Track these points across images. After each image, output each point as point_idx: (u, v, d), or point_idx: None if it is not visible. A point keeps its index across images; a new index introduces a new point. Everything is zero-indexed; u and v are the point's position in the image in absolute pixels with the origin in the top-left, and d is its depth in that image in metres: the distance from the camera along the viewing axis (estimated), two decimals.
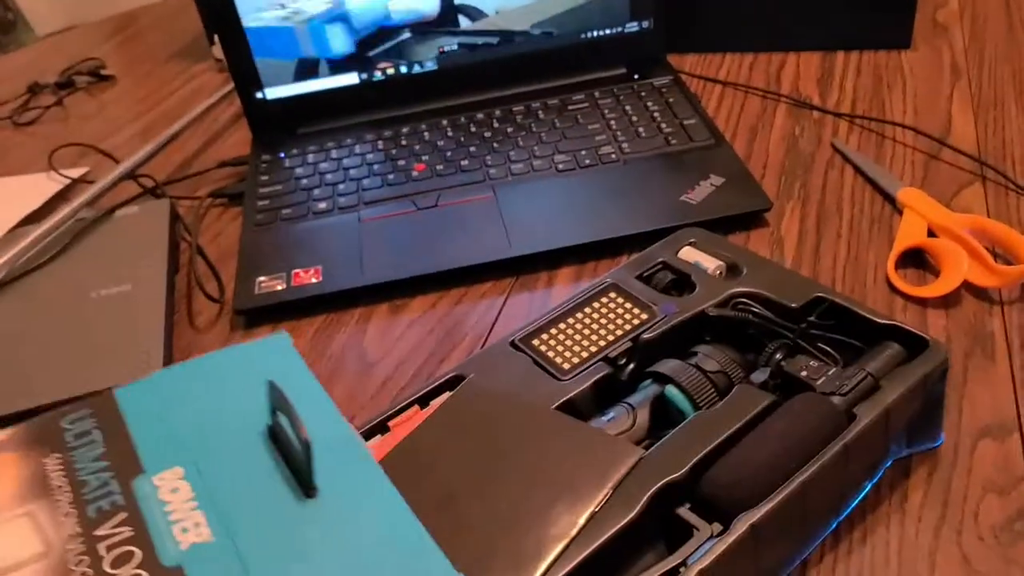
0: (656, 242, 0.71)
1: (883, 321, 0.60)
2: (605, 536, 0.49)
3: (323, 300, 0.80)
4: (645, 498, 0.50)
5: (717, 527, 0.50)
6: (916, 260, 0.76)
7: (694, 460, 0.52)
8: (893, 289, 0.73)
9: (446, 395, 0.60)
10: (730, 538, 0.48)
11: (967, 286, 0.72)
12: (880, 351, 0.59)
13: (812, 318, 0.62)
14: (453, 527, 0.50)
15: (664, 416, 0.58)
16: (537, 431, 0.55)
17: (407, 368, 0.73)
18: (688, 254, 0.69)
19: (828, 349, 0.61)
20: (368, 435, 0.57)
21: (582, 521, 0.50)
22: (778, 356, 0.60)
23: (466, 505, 0.51)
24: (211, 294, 0.82)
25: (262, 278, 0.81)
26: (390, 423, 0.58)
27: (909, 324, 0.59)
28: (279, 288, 0.80)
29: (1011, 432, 0.60)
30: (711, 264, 0.67)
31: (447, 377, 0.61)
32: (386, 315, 0.79)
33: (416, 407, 0.59)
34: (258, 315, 0.80)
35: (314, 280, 0.80)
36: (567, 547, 0.49)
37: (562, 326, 0.63)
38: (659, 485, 0.51)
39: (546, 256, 0.81)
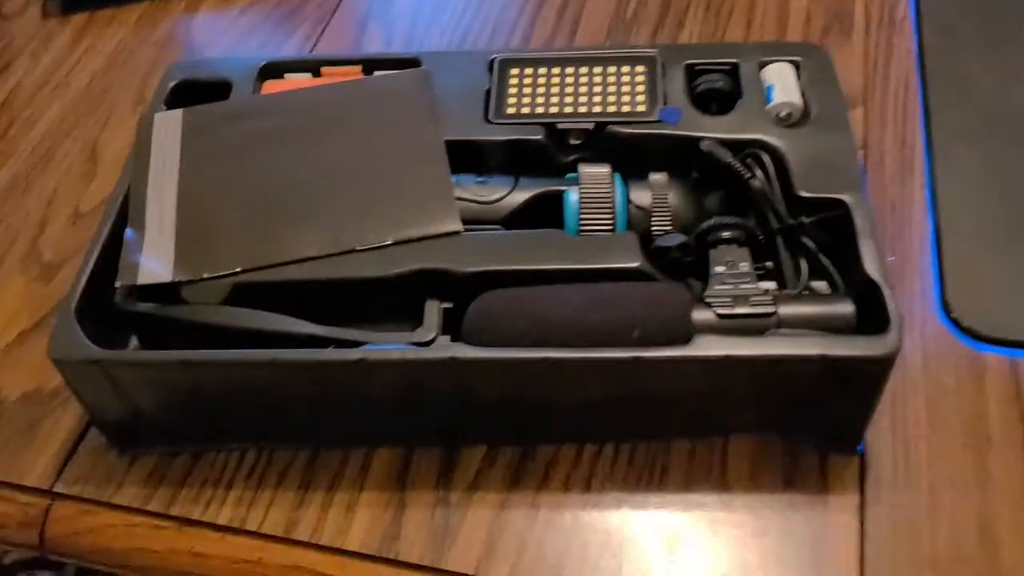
0: None
1: (869, 272, 0.42)
2: (341, 276, 0.44)
3: None
4: (409, 269, 0.44)
5: (444, 339, 0.43)
6: None
7: (481, 269, 0.43)
8: None
9: (391, 72, 0.54)
10: (428, 355, 0.41)
11: None
12: (827, 300, 0.42)
13: (808, 219, 0.45)
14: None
15: (544, 214, 0.47)
16: (409, 150, 0.49)
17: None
18: (775, 74, 0.51)
19: (790, 261, 0.45)
20: (293, 68, 0.54)
21: (331, 249, 0.44)
22: (723, 234, 0.45)
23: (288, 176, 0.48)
24: None
25: None
26: (324, 68, 0.54)
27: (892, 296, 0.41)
28: None
29: (855, 105, 0.59)
30: (784, 97, 0.50)
31: (407, 56, 0.54)
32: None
33: (360, 68, 0.54)
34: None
35: None
36: (305, 260, 0.44)
37: (555, 71, 0.52)
38: (430, 266, 0.44)
39: None
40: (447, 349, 0.41)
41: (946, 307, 0.48)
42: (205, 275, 0.44)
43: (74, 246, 0.56)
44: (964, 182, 0.54)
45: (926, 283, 0.50)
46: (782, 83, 0.50)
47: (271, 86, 0.54)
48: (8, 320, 0.53)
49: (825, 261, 0.44)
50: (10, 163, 0.61)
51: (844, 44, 0.63)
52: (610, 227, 0.46)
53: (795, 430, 0.44)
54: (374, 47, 0.67)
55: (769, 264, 0.46)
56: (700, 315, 0.42)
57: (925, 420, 0.45)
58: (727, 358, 0.40)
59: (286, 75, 0.54)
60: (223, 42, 0.69)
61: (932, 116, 0.58)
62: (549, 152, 0.50)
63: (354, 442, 0.46)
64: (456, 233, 0.45)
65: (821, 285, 0.45)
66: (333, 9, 0.71)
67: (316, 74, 0.54)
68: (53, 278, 0.55)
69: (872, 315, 0.41)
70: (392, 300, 0.44)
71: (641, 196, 0.47)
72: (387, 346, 0.42)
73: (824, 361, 0.39)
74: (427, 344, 0.42)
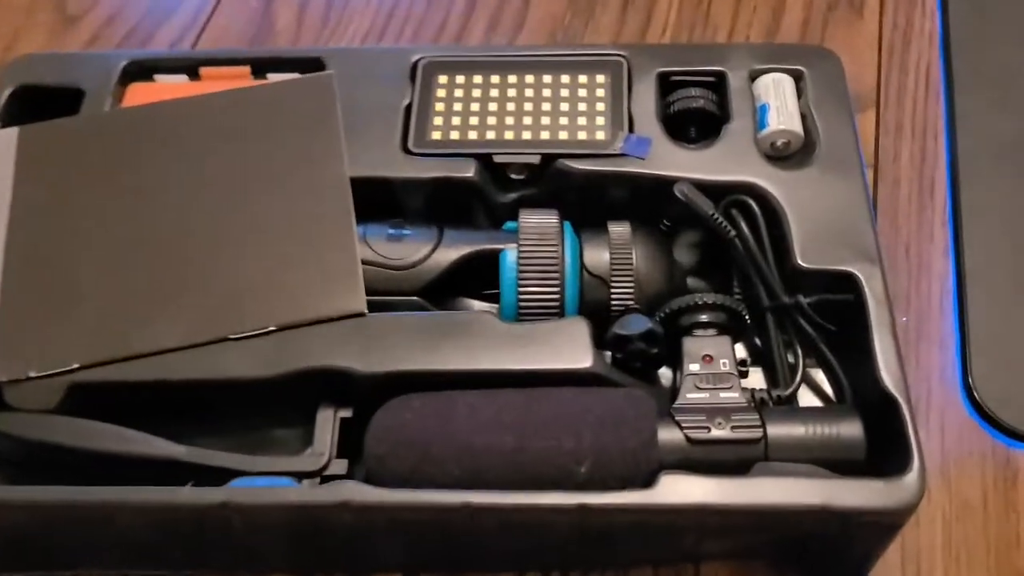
0: None
1: (886, 383, 0.33)
2: (207, 376, 0.34)
3: None
4: (296, 368, 0.34)
5: (339, 464, 0.33)
6: None
7: (389, 370, 0.34)
8: None
9: (291, 76, 0.42)
10: (312, 498, 0.32)
11: None
12: (829, 417, 0.33)
13: (806, 299, 0.36)
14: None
15: (475, 277, 0.38)
16: (304, 194, 0.38)
17: (119, 26, 0.55)
18: (771, 89, 0.40)
19: (782, 347, 0.36)
20: (164, 68, 0.43)
21: (197, 337, 0.35)
22: (701, 318, 0.36)
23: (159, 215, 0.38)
24: None
25: None
26: (204, 69, 0.43)
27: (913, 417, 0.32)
28: None
29: (865, 108, 0.48)
30: (782, 123, 0.39)
31: (308, 55, 0.43)
32: None
33: (248, 68, 0.43)
34: None
35: None
36: (164, 353, 0.35)
37: (494, 79, 0.41)
38: (323, 365, 0.34)
39: None
40: (338, 490, 0.31)
41: (969, 388, 0.39)
42: (32, 374, 0.34)
43: None
44: (996, 212, 0.44)
45: (946, 355, 0.41)
46: (779, 102, 0.40)
47: (136, 92, 0.43)
48: None
49: (829, 356, 0.35)
50: None
51: (854, 23, 0.52)
52: (557, 301, 0.36)
53: (783, 561, 0.36)
54: (285, 18, 0.55)
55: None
56: (667, 435, 0.32)
57: (942, 544, 0.36)
58: (700, 508, 0.31)
59: (156, 77, 0.43)
60: (104, 5, 0.56)
61: (958, 123, 0.47)
62: (483, 191, 0.39)
63: (236, 568, 0.37)
64: (360, 315, 0.35)
65: (819, 374, 0.37)
66: None
67: (194, 76, 0.43)
68: None
69: (884, 432, 0.32)
70: (275, 404, 0.35)
71: (597, 256, 0.37)
72: (260, 481, 0.32)
73: (826, 512, 0.31)
74: (316, 473, 0.33)
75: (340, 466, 0.33)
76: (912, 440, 0.31)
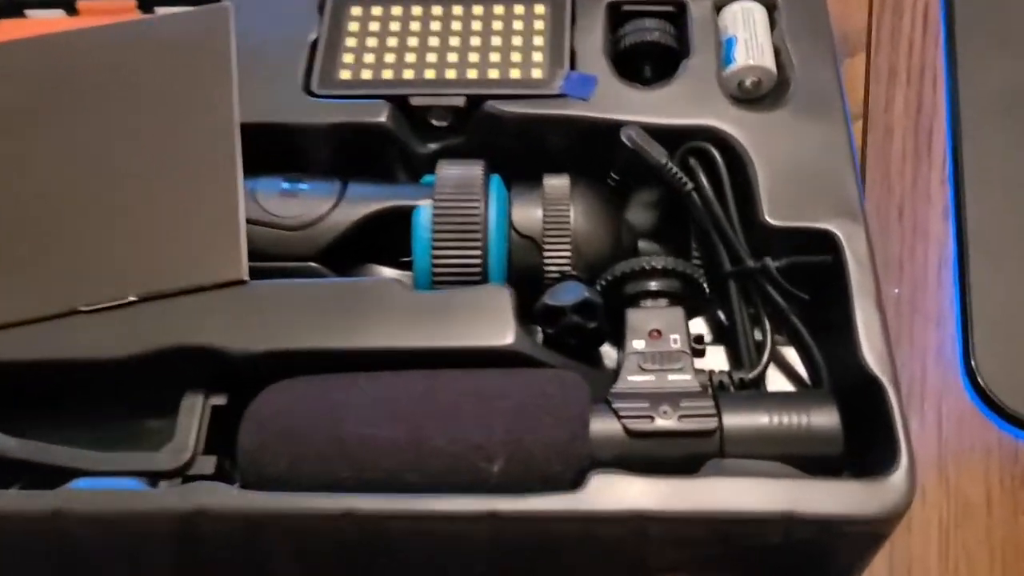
0: None
1: (869, 363, 0.27)
2: (49, 356, 0.28)
3: None
4: (156, 347, 0.28)
5: (206, 461, 0.27)
6: None
7: (271, 348, 0.28)
8: None
9: (182, 9, 0.37)
10: (161, 504, 0.26)
11: None
12: (798, 404, 0.27)
13: (776, 263, 0.30)
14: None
15: (384, 240, 0.32)
16: (185, 142, 0.32)
17: None
18: (739, 20, 0.35)
19: (747, 320, 0.30)
20: (36, 2, 0.37)
21: (43, 309, 0.29)
22: (649, 285, 0.30)
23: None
24: None
25: None
26: (82, 3, 0.37)
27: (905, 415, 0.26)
28: None
29: (855, 52, 0.43)
30: (750, 58, 0.33)
31: None
32: None
33: (133, 1, 0.37)
34: None
35: None
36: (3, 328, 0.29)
37: (415, 11, 0.35)
38: (190, 343, 0.28)
39: None
40: (191, 495, 0.26)
41: (971, 371, 0.34)
42: None
43: None
44: (1001, 169, 0.39)
45: (944, 331, 0.35)
46: (748, 35, 0.34)
47: (3, 28, 0.37)
48: None
49: (801, 330, 0.30)
50: None
51: None
52: (478, 266, 0.30)
53: (748, 573, 0.30)
54: None
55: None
56: (601, 425, 0.27)
57: (937, 553, 0.31)
58: (637, 515, 0.25)
59: (27, 12, 0.37)
60: None
61: (959, 68, 0.41)
62: (399, 140, 0.33)
63: None
64: (240, 282, 0.29)
65: (791, 353, 0.31)
66: None
67: (72, 11, 0.37)
68: None
69: (867, 422, 0.27)
70: (138, 390, 0.29)
71: (528, 213, 0.31)
72: (104, 483, 0.27)
73: (792, 520, 0.25)
74: (177, 473, 0.27)
75: (207, 464, 0.27)
76: (900, 431, 0.26)
